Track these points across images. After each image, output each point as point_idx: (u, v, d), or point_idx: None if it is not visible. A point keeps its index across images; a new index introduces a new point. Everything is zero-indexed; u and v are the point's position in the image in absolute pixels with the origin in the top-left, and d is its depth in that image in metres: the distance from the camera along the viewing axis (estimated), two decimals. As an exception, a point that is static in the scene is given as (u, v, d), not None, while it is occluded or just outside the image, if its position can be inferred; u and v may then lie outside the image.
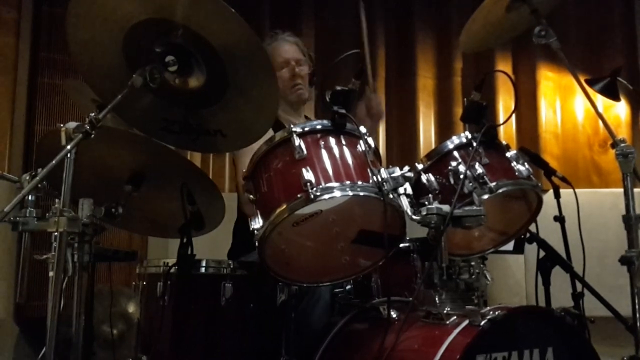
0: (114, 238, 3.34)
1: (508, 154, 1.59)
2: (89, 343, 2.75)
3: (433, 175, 1.58)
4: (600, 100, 3.41)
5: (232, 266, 1.62)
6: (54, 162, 1.25)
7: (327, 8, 3.78)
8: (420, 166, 1.61)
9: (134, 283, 1.72)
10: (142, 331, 1.68)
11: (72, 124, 1.30)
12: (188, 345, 1.57)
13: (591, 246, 2.31)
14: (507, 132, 3.56)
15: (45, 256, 1.30)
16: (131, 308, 3.18)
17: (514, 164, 1.57)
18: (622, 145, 1.56)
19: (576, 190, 2.41)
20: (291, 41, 2.36)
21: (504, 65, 3.61)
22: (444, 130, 3.57)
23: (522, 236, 2.20)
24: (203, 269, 1.62)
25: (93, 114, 1.32)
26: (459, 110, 3.37)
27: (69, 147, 1.26)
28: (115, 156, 1.62)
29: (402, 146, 3.64)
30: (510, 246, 2.60)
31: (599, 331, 2.33)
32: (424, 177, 1.58)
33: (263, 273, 1.53)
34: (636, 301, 1.56)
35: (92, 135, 1.30)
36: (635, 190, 1.61)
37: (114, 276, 2.99)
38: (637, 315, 1.56)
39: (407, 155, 3.53)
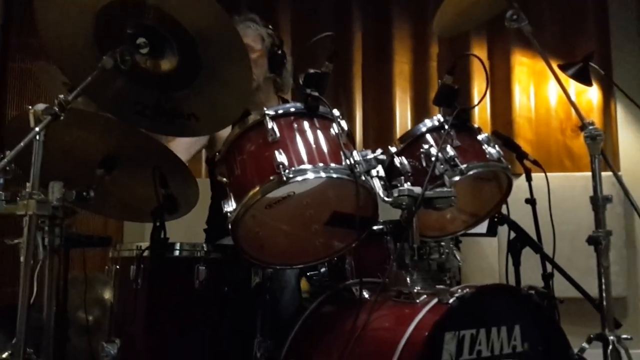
0: (88, 223, 3.31)
1: (479, 137, 1.61)
2: (63, 329, 2.75)
3: (406, 158, 1.60)
4: (573, 86, 3.47)
5: (206, 249, 1.62)
6: (22, 144, 1.23)
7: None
8: (393, 149, 1.63)
9: (106, 267, 1.72)
10: (116, 315, 1.68)
11: (40, 106, 1.29)
12: (162, 328, 1.58)
13: (563, 229, 2.36)
14: (482, 116, 3.59)
15: (16, 241, 1.29)
16: (107, 294, 3.15)
17: (485, 146, 1.59)
18: (591, 127, 1.59)
19: (549, 174, 2.45)
20: (242, 26, 2.23)
21: (479, 51, 3.63)
22: (420, 114, 3.58)
23: (495, 218, 2.25)
24: (177, 252, 1.62)
25: (62, 96, 1.30)
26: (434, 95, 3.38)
27: (37, 129, 1.25)
28: (87, 139, 1.60)
29: (379, 130, 3.65)
30: (483, 229, 2.65)
31: (568, 312, 2.39)
32: (397, 160, 1.60)
33: (237, 256, 1.54)
34: (602, 280, 1.60)
35: (62, 118, 1.28)
36: (605, 173, 1.66)
37: (89, 262, 2.97)
38: (604, 293, 1.60)
39: (384, 139, 3.54)
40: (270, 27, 2.35)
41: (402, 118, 3.64)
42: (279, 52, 2.31)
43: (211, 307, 1.62)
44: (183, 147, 2.10)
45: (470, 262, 3.31)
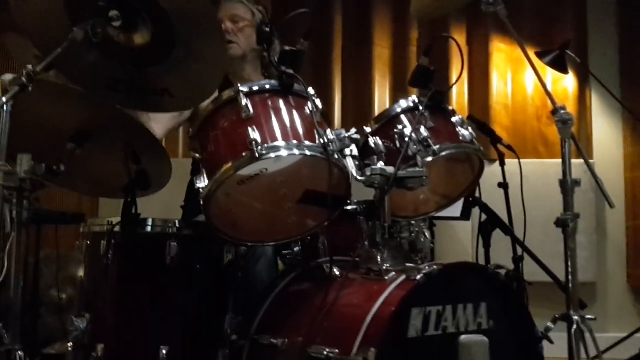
0: (62, 200, 3.27)
1: (453, 119, 1.63)
2: (35, 307, 2.73)
3: (380, 138, 1.60)
4: (550, 73, 3.51)
5: (178, 226, 1.62)
6: (-12, 114, 1.21)
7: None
8: (368, 129, 1.64)
9: (77, 242, 1.70)
10: (86, 290, 1.67)
11: (8, 76, 1.27)
12: (132, 304, 1.58)
13: (535, 214, 2.40)
14: (460, 101, 3.62)
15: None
16: (81, 272, 3.14)
17: (458, 128, 1.61)
18: (562, 112, 1.61)
19: (523, 160, 2.49)
20: (232, 1, 2.29)
21: (458, 36, 3.64)
22: (399, 97, 3.57)
23: (469, 202, 2.28)
24: (149, 228, 1.61)
25: (30, 66, 1.28)
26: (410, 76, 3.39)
27: (4, 99, 1.23)
28: (58, 113, 1.58)
29: (358, 113, 3.65)
30: (457, 212, 2.69)
31: (537, 295, 2.44)
32: (371, 140, 1.60)
33: (210, 233, 1.54)
34: (569, 262, 1.63)
35: (30, 89, 1.26)
36: (577, 161, 1.68)
37: (63, 240, 2.95)
38: (570, 275, 1.64)
39: (362, 122, 3.51)
40: (262, 5, 2.37)
41: (381, 101, 3.66)
42: (268, 29, 2.30)
43: (182, 284, 1.62)
44: (162, 119, 2.09)
45: (445, 245, 3.35)
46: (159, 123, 2.03)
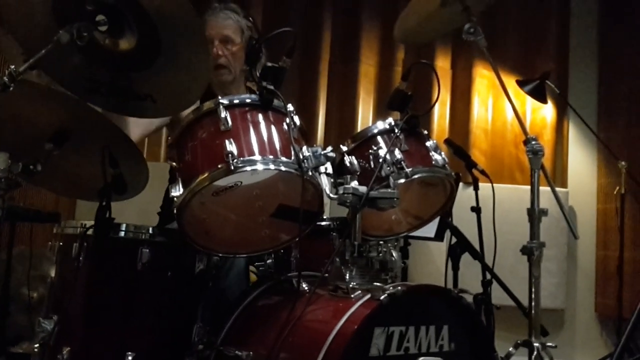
0: (40, 199, 3.25)
1: (427, 143, 1.66)
2: (4, 304, 2.70)
3: (356, 157, 1.63)
4: (530, 101, 3.59)
5: (151, 232, 1.63)
6: (-33, 112, 1.22)
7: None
8: (344, 147, 1.67)
9: (50, 243, 1.70)
10: (55, 291, 1.67)
11: (-12, 75, 1.27)
12: (100, 308, 1.57)
13: (508, 239, 2.44)
14: (441, 124, 3.68)
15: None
16: (53, 272, 3.11)
17: (431, 153, 1.64)
18: (533, 142, 1.65)
19: (499, 185, 2.54)
20: (223, 16, 2.24)
21: (443, 60, 3.71)
22: (382, 116, 3.63)
23: (443, 222, 2.32)
24: (122, 233, 1.61)
25: (13, 66, 1.29)
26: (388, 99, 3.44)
27: (-16, 97, 1.23)
28: (38, 112, 1.58)
29: (341, 129, 3.70)
30: (431, 233, 2.73)
31: (504, 319, 2.48)
32: (347, 159, 1.63)
33: (183, 241, 1.55)
34: (532, 289, 1.67)
35: (10, 88, 1.27)
36: (545, 188, 1.72)
37: (38, 239, 2.92)
38: (533, 302, 1.67)
39: (345, 137, 3.56)
40: (250, 18, 2.32)
41: (364, 119, 3.71)
42: (256, 45, 2.29)
43: (152, 291, 1.62)
44: (141, 122, 2.09)
45: (419, 265, 3.39)
46: (135, 127, 2.02)
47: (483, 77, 3.71)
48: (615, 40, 3.81)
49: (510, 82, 3.23)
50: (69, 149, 1.63)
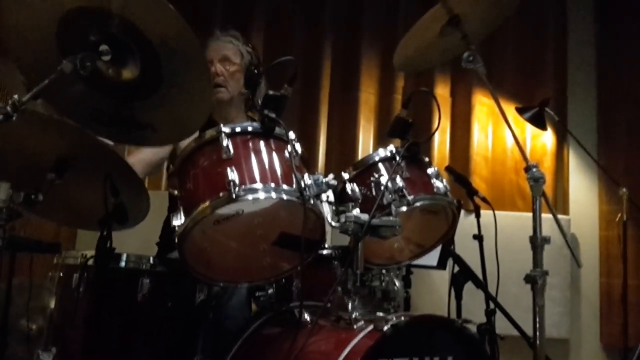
0: (41, 228, 3.24)
1: (429, 170, 1.66)
2: (3, 335, 2.66)
3: (357, 184, 1.63)
4: (529, 128, 3.60)
5: (152, 262, 1.62)
6: (-31, 141, 1.22)
7: (278, 14, 3.83)
8: (346, 175, 1.66)
9: (50, 274, 1.69)
10: (55, 323, 1.65)
11: (-8, 105, 1.27)
12: (100, 340, 1.56)
13: (512, 267, 2.41)
14: (441, 151, 3.68)
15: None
16: (53, 303, 3.08)
17: (433, 180, 1.64)
18: (534, 170, 1.65)
19: (501, 212, 2.52)
20: (223, 40, 2.32)
21: (442, 87, 3.74)
22: (382, 143, 3.64)
23: (445, 250, 2.30)
24: (123, 264, 1.61)
25: (17, 96, 1.30)
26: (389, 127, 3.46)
27: (-14, 128, 1.24)
28: (40, 142, 1.59)
29: (342, 156, 3.70)
30: (434, 262, 2.71)
31: (509, 349, 2.44)
32: (348, 186, 1.63)
33: (183, 271, 1.54)
34: (537, 318, 1.65)
35: (13, 118, 1.28)
36: (547, 215, 1.71)
37: (38, 269, 2.90)
38: (537, 332, 1.65)
39: (346, 165, 3.57)
40: (250, 45, 2.39)
41: (365, 146, 3.71)
42: (256, 71, 2.33)
43: (152, 322, 1.61)
44: (144, 160, 2.10)
45: (421, 294, 3.35)
46: (144, 161, 2.04)
47: (482, 105, 3.73)
48: (613, 67, 3.84)
49: (510, 109, 3.24)
50: (71, 179, 1.63)
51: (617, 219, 3.27)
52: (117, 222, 1.59)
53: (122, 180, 1.59)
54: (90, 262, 1.54)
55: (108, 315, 1.57)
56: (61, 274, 1.66)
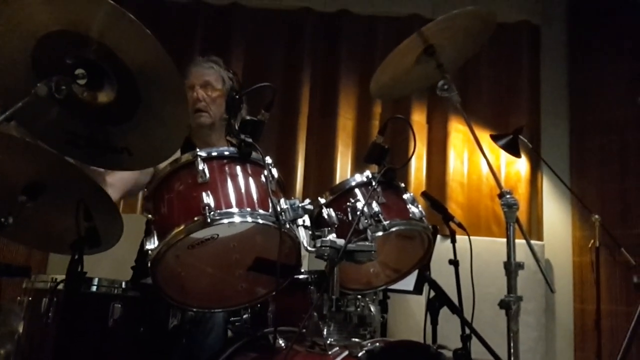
0: (10, 251, 3.17)
1: (404, 196, 1.67)
2: (-32, 362, 2.57)
3: (334, 209, 1.63)
4: (504, 155, 3.66)
5: (124, 287, 1.59)
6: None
7: (257, 40, 3.86)
8: (322, 200, 1.66)
9: (18, 298, 1.65)
10: (22, 349, 1.61)
11: (-37, 127, 1.26)
12: (69, 366, 1.52)
13: (486, 292, 2.42)
14: (418, 177, 3.71)
15: None
16: (22, 328, 3.00)
17: (409, 205, 1.65)
18: (508, 196, 1.68)
19: (476, 237, 2.54)
20: (205, 65, 2.34)
21: (419, 114, 3.79)
22: (360, 169, 3.67)
23: (422, 275, 2.30)
24: (94, 288, 1.58)
25: (-12, 118, 1.28)
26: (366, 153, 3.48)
27: (-43, 149, 1.22)
28: (12, 164, 1.56)
29: (320, 181, 3.72)
30: (410, 286, 2.71)
31: (485, 374, 2.43)
32: (325, 211, 1.63)
33: (156, 296, 1.52)
34: (511, 343, 1.66)
35: (-15, 140, 1.26)
36: (521, 241, 1.73)
37: (8, 293, 2.83)
38: (512, 357, 1.66)
39: (324, 189, 3.58)
40: (231, 71, 2.42)
41: (343, 171, 3.74)
42: (237, 96, 2.34)
43: (123, 347, 1.58)
44: (124, 178, 2.08)
45: (398, 319, 3.34)
46: (113, 187, 2.02)
47: (458, 132, 3.79)
48: (585, 96, 3.94)
49: (485, 136, 3.30)
50: (43, 201, 1.60)
51: (590, 245, 3.31)
52: (89, 245, 1.56)
53: (95, 204, 1.57)
54: (60, 286, 1.51)
55: (77, 341, 1.54)
56: (30, 298, 1.63)
